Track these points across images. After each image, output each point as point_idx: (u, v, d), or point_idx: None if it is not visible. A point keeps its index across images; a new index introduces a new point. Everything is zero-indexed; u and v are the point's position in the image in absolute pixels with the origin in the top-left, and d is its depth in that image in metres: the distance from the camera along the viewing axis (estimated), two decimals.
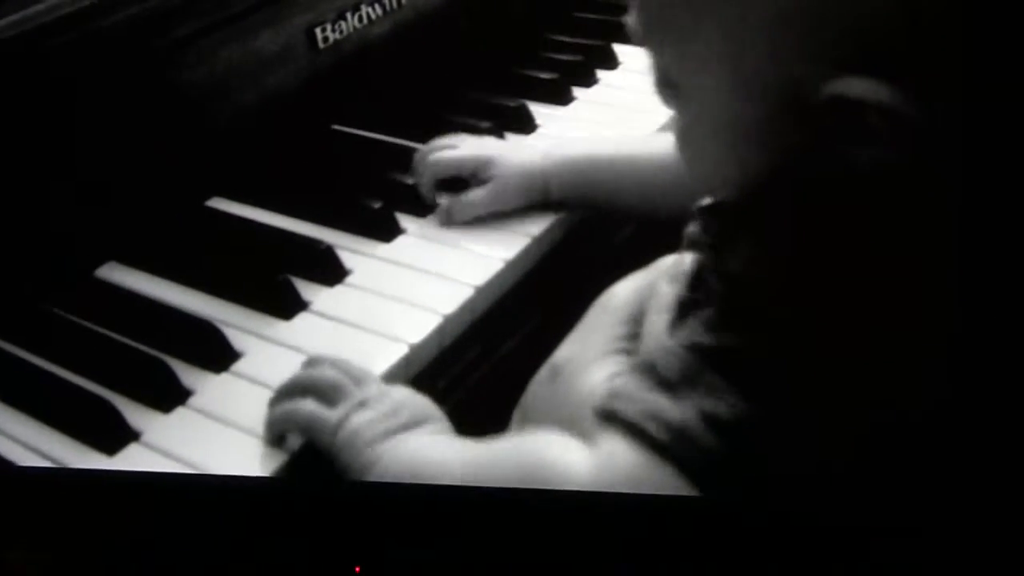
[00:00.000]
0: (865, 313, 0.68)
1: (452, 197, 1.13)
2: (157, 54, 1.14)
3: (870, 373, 0.68)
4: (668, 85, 0.76)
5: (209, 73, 1.19)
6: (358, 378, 0.89)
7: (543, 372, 0.86)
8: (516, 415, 0.88)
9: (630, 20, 0.77)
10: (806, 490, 0.69)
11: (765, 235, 0.72)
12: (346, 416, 0.85)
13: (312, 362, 0.92)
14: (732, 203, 0.77)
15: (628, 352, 0.81)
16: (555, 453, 0.75)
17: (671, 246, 0.92)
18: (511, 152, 1.15)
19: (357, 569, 0.84)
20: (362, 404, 0.86)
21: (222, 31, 1.19)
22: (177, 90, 1.16)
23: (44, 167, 1.05)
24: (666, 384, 0.70)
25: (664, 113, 1.25)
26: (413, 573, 0.83)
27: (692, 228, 0.82)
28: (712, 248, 0.76)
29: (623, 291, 0.86)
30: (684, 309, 0.75)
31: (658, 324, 0.78)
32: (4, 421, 0.92)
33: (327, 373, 0.89)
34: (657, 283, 0.82)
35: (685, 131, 0.78)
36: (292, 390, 0.89)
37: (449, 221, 1.12)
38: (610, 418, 0.71)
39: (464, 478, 0.78)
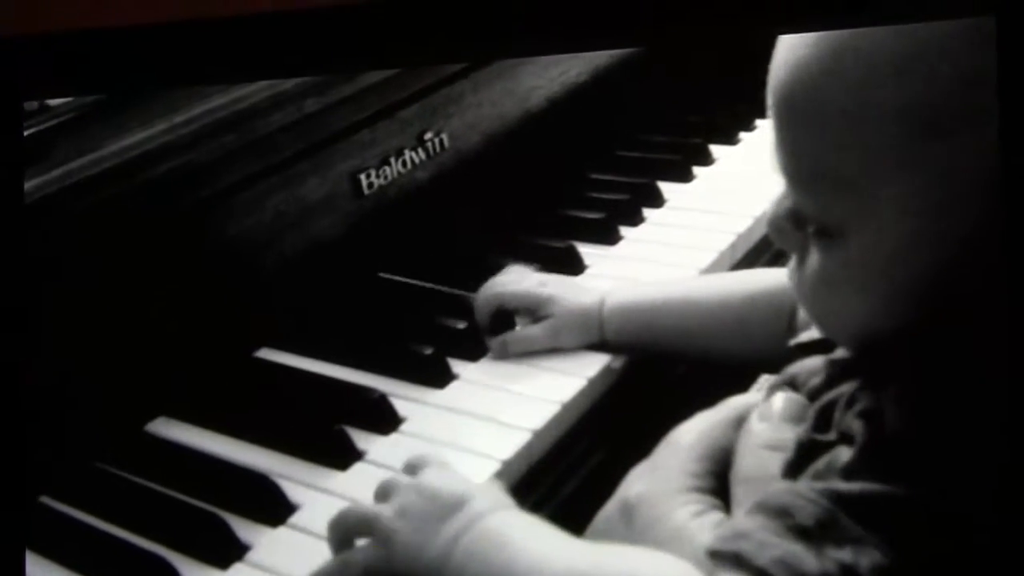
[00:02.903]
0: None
1: (510, 332, 1.14)
2: (202, 205, 1.14)
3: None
4: (820, 232, 0.74)
5: (255, 222, 1.19)
6: (389, 491, 0.86)
7: (612, 510, 0.84)
8: None
9: (777, 162, 0.75)
10: None
11: (920, 384, 0.70)
12: (390, 533, 0.82)
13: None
14: (874, 350, 0.74)
15: (702, 490, 0.79)
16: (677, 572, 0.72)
17: (727, 384, 0.91)
18: (571, 293, 1.15)
19: None
20: (400, 513, 0.83)
21: (267, 180, 1.20)
22: (223, 240, 1.16)
23: (89, 323, 1.04)
24: (801, 531, 0.67)
25: (711, 250, 1.28)
26: None
27: (798, 369, 0.81)
28: (857, 390, 0.73)
29: (694, 429, 0.84)
30: (805, 451, 0.73)
31: (762, 464, 0.76)
32: None
33: (361, 506, 0.87)
34: (747, 422, 0.81)
35: (825, 278, 0.75)
36: (337, 537, 0.87)
37: (503, 355, 1.13)
38: (735, 561, 0.68)
39: None
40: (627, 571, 0.75)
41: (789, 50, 0.73)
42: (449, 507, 0.82)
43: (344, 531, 0.86)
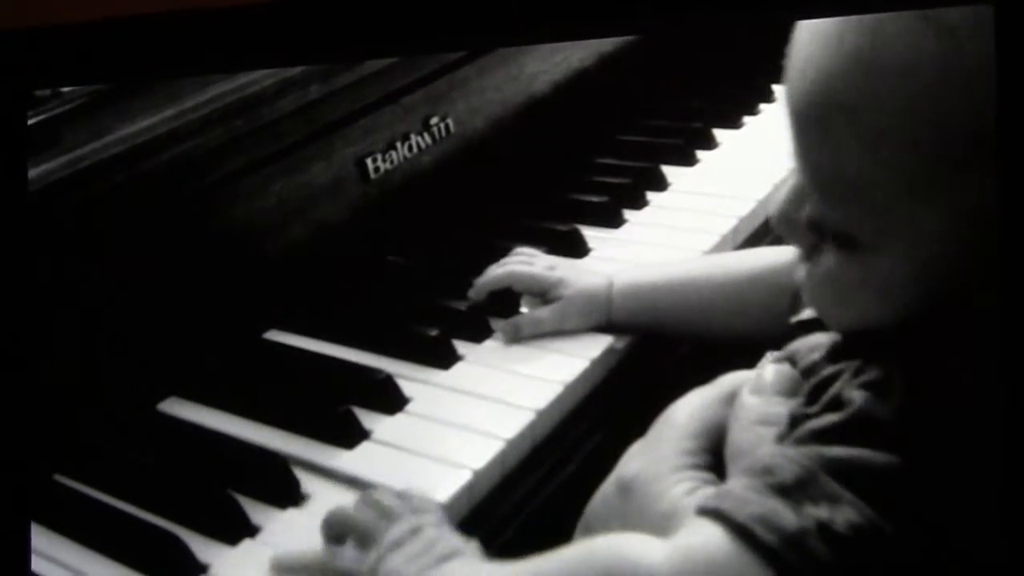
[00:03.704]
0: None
1: (521, 315, 1.16)
2: (211, 189, 1.16)
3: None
4: (839, 240, 0.74)
5: (263, 207, 1.20)
6: (391, 515, 0.87)
7: (609, 488, 0.85)
8: (579, 534, 0.87)
9: (797, 165, 0.75)
10: None
11: (917, 367, 0.71)
12: (380, 559, 0.83)
13: (363, 497, 0.91)
14: (872, 338, 0.75)
15: (698, 466, 0.80)
16: (633, 548, 0.73)
17: (732, 363, 0.92)
18: (578, 276, 1.17)
19: None
20: (395, 545, 0.84)
21: (273, 165, 1.21)
22: (232, 224, 1.18)
23: (101, 306, 1.06)
24: (781, 489, 0.69)
25: (714, 233, 1.29)
26: None
27: (799, 345, 0.82)
28: (864, 363, 0.74)
29: (688, 406, 0.85)
30: (797, 425, 0.74)
31: (754, 439, 0.77)
32: (76, 560, 0.93)
33: (361, 516, 0.87)
34: (739, 396, 0.82)
35: (840, 282, 0.75)
36: (330, 533, 0.88)
37: (515, 337, 1.14)
38: (716, 517, 0.70)
39: None
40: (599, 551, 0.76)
41: (807, 55, 0.72)
42: (443, 555, 0.82)
43: (343, 532, 0.87)
